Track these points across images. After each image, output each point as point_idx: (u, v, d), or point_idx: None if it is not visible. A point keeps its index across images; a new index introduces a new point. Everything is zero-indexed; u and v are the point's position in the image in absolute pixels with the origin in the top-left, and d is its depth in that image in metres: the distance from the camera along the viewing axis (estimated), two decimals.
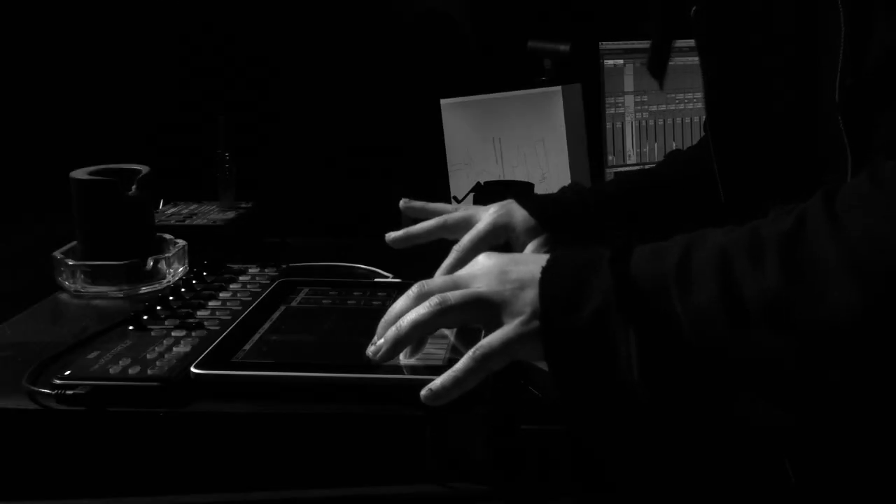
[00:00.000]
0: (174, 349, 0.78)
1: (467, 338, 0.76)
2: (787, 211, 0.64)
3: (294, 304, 0.90)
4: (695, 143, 1.19)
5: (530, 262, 0.71)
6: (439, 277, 0.84)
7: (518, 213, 0.99)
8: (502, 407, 0.73)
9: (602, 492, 0.75)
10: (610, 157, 1.71)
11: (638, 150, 1.73)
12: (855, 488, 0.74)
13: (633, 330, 0.63)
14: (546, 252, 0.93)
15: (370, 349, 0.72)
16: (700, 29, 0.85)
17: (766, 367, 0.62)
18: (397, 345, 0.71)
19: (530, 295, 0.68)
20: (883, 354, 0.60)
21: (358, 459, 0.69)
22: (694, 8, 0.84)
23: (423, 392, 0.68)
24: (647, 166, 1.72)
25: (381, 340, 0.72)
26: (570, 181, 1.50)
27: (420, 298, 0.72)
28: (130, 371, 0.73)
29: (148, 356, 0.76)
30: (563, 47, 1.55)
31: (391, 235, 1.02)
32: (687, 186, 1.02)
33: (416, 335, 0.72)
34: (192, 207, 1.30)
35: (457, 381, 0.67)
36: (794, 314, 0.60)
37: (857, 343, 0.59)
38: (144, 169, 1.04)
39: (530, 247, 0.96)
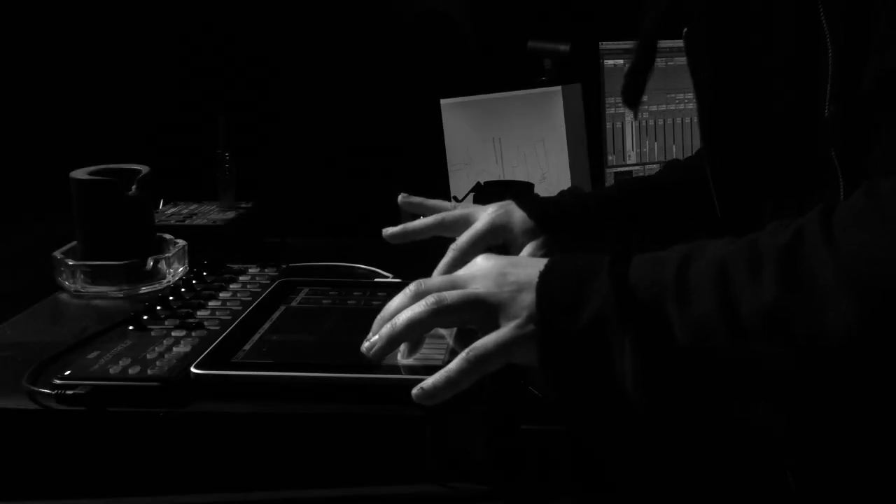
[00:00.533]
0: (174, 349, 0.78)
1: (466, 339, 0.76)
2: (785, 225, 0.64)
3: (294, 304, 0.90)
4: (695, 143, 1.19)
5: (529, 265, 0.71)
6: (437, 277, 0.84)
7: (517, 214, 0.99)
8: (502, 407, 0.73)
9: (602, 492, 0.75)
10: (610, 157, 1.71)
11: (638, 150, 1.73)
12: (855, 494, 0.74)
13: (629, 336, 0.63)
14: (544, 254, 0.92)
15: (365, 345, 0.73)
16: (693, 47, 0.85)
17: (764, 377, 0.62)
18: (392, 342, 0.71)
19: (528, 298, 0.68)
20: (881, 367, 0.60)
21: (358, 459, 0.69)
22: (686, 29, 0.84)
23: (415, 391, 0.67)
24: (647, 167, 1.72)
25: (376, 337, 0.72)
26: (570, 181, 1.50)
27: (417, 297, 0.72)
28: (130, 371, 0.73)
29: (148, 356, 0.76)
30: (563, 47, 1.55)
31: (388, 231, 1.02)
32: (687, 189, 1.02)
33: (411, 333, 0.72)
34: (192, 207, 1.30)
35: (449, 382, 0.67)
36: (791, 327, 0.60)
37: (854, 356, 0.60)
38: (144, 169, 1.04)
39: (528, 248, 0.96)
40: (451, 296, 0.71)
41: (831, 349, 0.59)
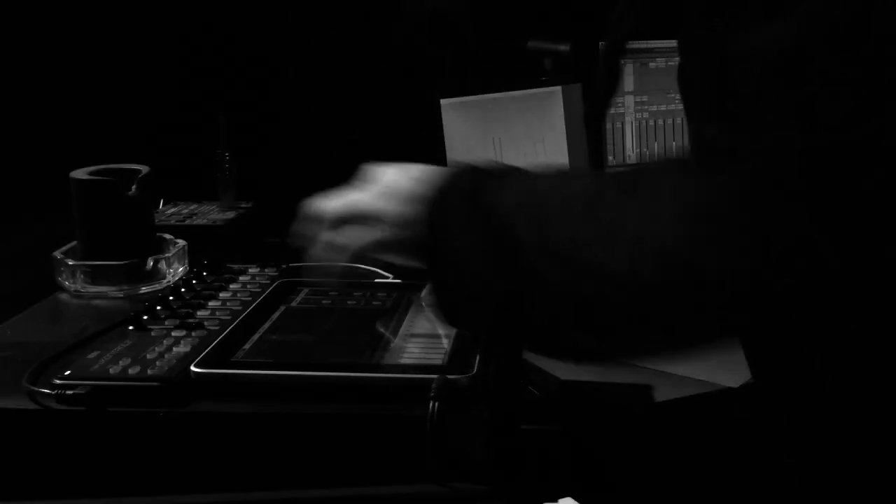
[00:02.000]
0: (174, 349, 0.78)
1: (466, 340, 0.76)
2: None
3: (294, 304, 0.90)
4: None
5: None
6: None
7: None
8: (502, 407, 0.73)
9: (602, 492, 0.75)
10: (610, 158, 1.71)
11: (638, 151, 1.73)
12: (855, 494, 0.74)
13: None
14: None
15: None
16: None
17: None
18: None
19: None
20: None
21: (358, 459, 0.69)
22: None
23: None
24: None
25: None
26: None
27: None
28: (130, 371, 0.73)
29: (148, 356, 0.76)
30: (563, 47, 1.55)
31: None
32: None
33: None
34: (192, 207, 1.30)
35: None
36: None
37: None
38: (144, 169, 1.04)
39: None
40: None
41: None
